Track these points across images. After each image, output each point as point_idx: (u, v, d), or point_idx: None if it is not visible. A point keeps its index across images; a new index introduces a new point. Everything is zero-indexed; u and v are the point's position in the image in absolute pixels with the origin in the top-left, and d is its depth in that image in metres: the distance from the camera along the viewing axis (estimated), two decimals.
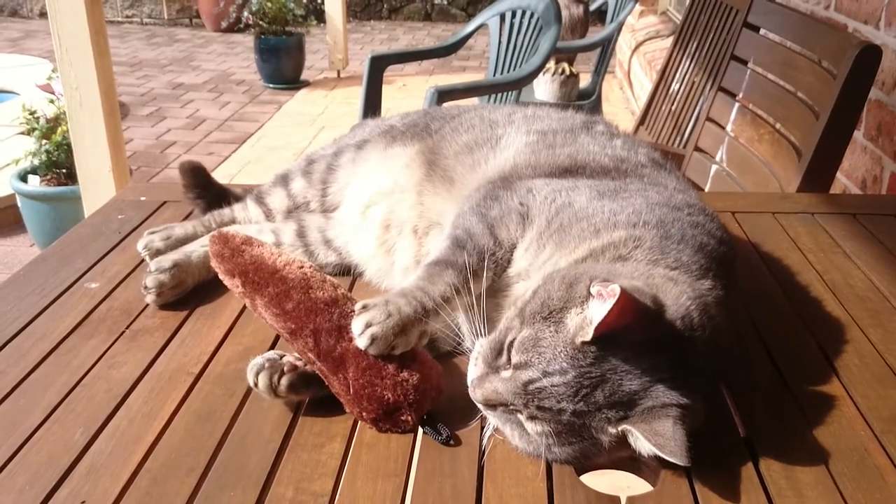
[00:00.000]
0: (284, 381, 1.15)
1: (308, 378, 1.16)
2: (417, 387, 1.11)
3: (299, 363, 1.17)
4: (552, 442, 1.01)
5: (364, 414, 1.12)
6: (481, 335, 1.13)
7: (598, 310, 0.97)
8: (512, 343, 1.04)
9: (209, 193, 1.73)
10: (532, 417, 1.02)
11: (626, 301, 0.95)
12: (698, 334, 1.05)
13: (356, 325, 1.11)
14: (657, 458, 0.98)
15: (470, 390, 1.08)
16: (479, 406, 1.08)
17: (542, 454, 1.03)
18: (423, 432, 1.11)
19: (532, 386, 1.00)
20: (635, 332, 0.99)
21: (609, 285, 0.96)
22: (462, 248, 1.23)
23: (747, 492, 1.01)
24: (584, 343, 0.98)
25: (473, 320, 1.16)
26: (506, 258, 1.25)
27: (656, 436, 0.97)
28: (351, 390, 1.12)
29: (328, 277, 1.23)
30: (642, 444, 0.99)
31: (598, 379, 0.98)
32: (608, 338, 0.98)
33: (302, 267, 1.22)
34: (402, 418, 1.11)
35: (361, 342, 1.10)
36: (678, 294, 1.07)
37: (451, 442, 1.10)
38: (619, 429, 1.00)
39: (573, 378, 0.98)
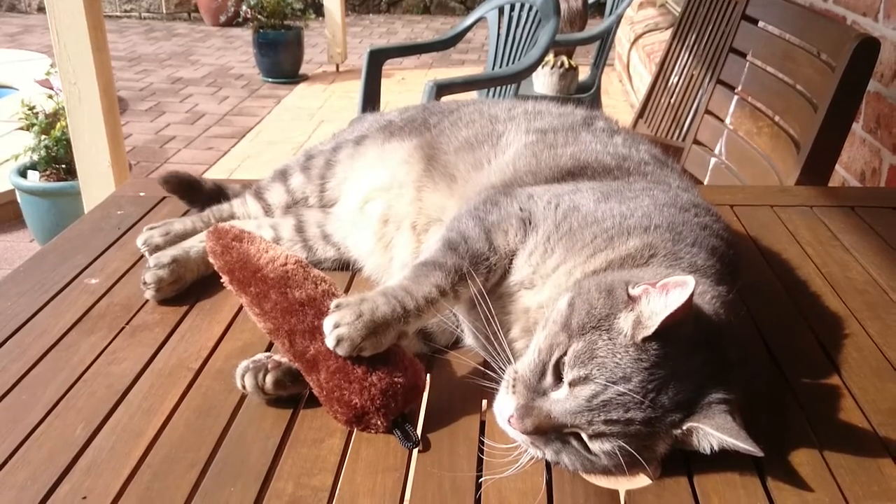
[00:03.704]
0: (269, 377, 1.15)
1: (294, 374, 1.16)
2: (385, 391, 1.09)
3: (284, 360, 1.17)
4: (623, 456, 0.98)
5: (337, 416, 1.12)
6: (509, 361, 1.10)
7: (661, 301, 0.97)
8: (560, 361, 1.01)
9: (199, 196, 1.74)
10: (598, 435, 0.99)
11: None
12: (729, 330, 1.07)
13: (326, 324, 1.10)
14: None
15: (513, 422, 1.02)
16: (522, 439, 1.04)
17: (610, 473, 1.01)
18: (394, 435, 1.09)
19: (597, 400, 0.98)
20: (686, 326, 0.99)
21: (678, 276, 0.98)
22: (454, 251, 1.20)
23: (745, 485, 1.02)
24: (644, 340, 0.98)
25: (496, 346, 1.12)
26: (500, 265, 1.22)
27: (724, 430, 0.98)
28: (323, 392, 1.12)
29: (313, 273, 1.22)
30: (711, 440, 1.00)
31: (661, 380, 0.98)
32: (665, 335, 0.98)
33: (285, 264, 1.21)
34: (373, 422, 1.10)
35: (329, 342, 1.09)
36: (702, 293, 1.08)
37: (420, 448, 1.08)
38: (685, 427, 1.00)
39: (638, 383, 0.97)
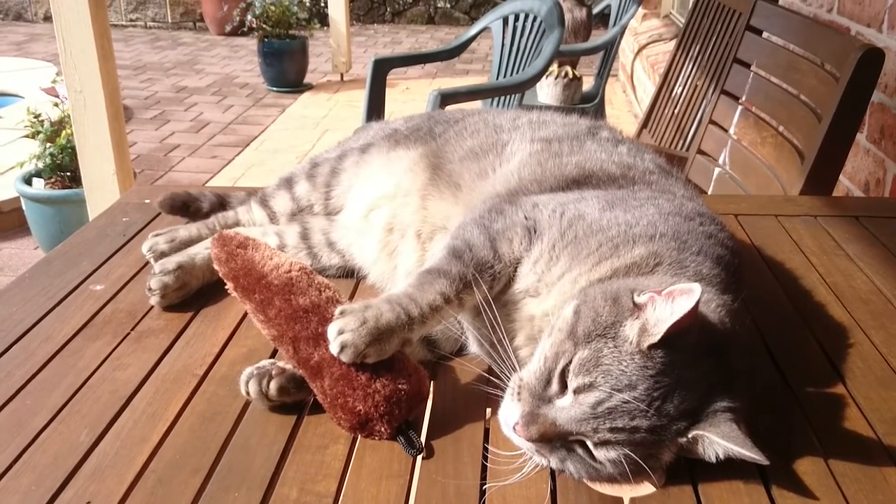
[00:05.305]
0: (273, 384, 1.15)
1: (298, 380, 1.16)
2: (389, 398, 1.09)
3: (288, 366, 1.17)
4: (628, 464, 0.98)
5: (341, 423, 1.12)
6: (514, 368, 1.10)
7: (667, 309, 0.98)
8: (565, 368, 1.01)
9: (202, 207, 1.74)
10: (603, 443, 0.99)
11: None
12: (734, 338, 1.07)
13: (330, 331, 1.10)
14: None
15: (518, 430, 1.02)
16: (527, 446, 1.04)
17: (615, 480, 1.01)
18: (398, 442, 1.09)
19: (602, 407, 0.97)
20: (691, 334, 0.99)
21: (683, 284, 0.98)
22: (459, 259, 1.20)
23: (750, 493, 1.02)
24: (650, 347, 0.98)
25: (501, 353, 1.12)
26: (505, 273, 1.22)
27: (729, 439, 0.98)
28: (327, 399, 1.12)
29: (318, 280, 1.22)
30: (716, 448, 1.00)
31: (666, 388, 0.98)
32: (670, 343, 0.98)
33: (290, 271, 1.21)
34: (377, 429, 1.10)
35: (333, 349, 1.09)
36: (707, 301, 1.08)
37: (424, 455, 1.08)
38: (690, 436, 1.00)
39: (643, 391, 0.97)
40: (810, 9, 3.16)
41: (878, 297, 1.53)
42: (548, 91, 4.95)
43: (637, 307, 1.01)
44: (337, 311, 1.13)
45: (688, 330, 0.98)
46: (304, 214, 1.65)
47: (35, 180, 4.14)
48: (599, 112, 5.01)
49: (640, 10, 6.95)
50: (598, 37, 5.05)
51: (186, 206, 1.74)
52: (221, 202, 1.75)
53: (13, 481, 1.03)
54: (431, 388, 1.20)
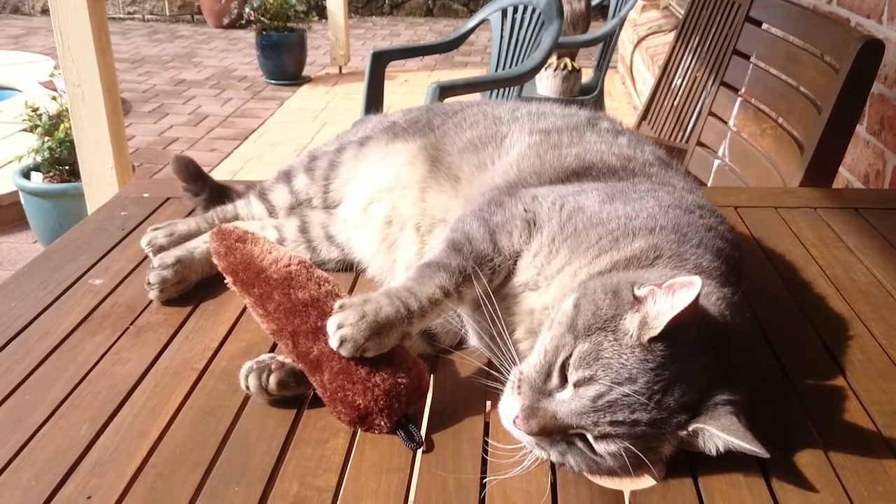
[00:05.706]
0: (273, 378, 1.15)
1: (298, 374, 1.16)
2: (389, 392, 1.09)
3: (287, 360, 1.17)
4: (628, 457, 0.98)
5: (341, 416, 1.12)
6: (514, 362, 1.10)
7: (668, 302, 0.97)
8: (566, 362, 1.01)
9: (206, 188, 1.75)
10: (603, 436, 0.99)
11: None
12: (734, 331, 1.07)
13: (329, 325, 1.10)
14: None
15: (518, 423, 1.02)
16: (527, 440, 1.04)
17: (615, 474, 1.01)
18: (397, 436, 1.09)
19: (602, 400, 0.97)
20: (692, 327, 0.99)
21: (684, 277, 0.98)
22: (458, 252, 1.20)
23: (750, 485, 1.02)
24: (650, 341, 0.98)
25: (501, 347, 1.12)
26: (505, 266, 1.21)
27: (730, 432, 0.98)
28: (327, 393, 1.12)
29: (317, 273, 1.22)
30: (717, 441, 1.00)
31: (666, 381, 0.98)
32: (670, 336, 0.97)
33: (289, 265, 1.21)
34: (376, 422, 1.10)
35: (332, 343, 1.09)
36: (707, 294, 1.07)
37: (424, 448, 1.08)
38: (691, 429, 1.00)
39: (644, 384, 0.97)
40: (810, 0, 3.15)
41: (878, 289, 1.53)
42: (547, 83, 4.94)
43: (637, 300, 1.01)
44: (336, 305, 1.12)
45: (688, 323, 0.98)
46: (302, 208, 1.65)
47: (33, 174, 4.13)
48: (599, 104, 5.00)
49: (640, 2, 6.94)
50: (597, 28, 5.03)
51: (196, 176, 1.74)
52: (221, 192, 1.75)
53: (13, 476, 1.03)
54: (431, 382, 1.20)
